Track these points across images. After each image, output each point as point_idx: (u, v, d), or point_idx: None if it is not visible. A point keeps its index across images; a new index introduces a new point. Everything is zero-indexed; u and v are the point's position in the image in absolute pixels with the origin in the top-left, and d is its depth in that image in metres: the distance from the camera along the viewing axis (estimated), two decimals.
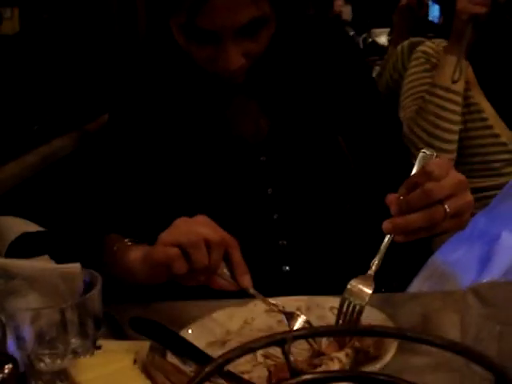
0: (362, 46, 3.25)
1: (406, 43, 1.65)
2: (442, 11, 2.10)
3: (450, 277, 1.16)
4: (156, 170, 1.01)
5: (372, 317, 0.72)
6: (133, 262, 0.80)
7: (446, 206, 0.68)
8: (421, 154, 0.75)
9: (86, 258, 0.78)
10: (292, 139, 1.02)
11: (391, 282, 1.17)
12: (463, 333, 0.62)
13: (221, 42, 0.85)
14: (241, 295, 0.78)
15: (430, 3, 2.24)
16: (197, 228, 0.74)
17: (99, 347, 0.59)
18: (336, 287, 0.73)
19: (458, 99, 1.28)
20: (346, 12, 3.40)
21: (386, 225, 0.69)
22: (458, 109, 1.28)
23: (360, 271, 0.73)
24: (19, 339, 0.61)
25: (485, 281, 1.09)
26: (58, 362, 0.62)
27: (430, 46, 1.41)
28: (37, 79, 1.25)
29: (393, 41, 2.00)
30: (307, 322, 0.72)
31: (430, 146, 1.27)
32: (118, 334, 0.73)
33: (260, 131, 1.02)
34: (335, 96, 1.04)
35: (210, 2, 0.81)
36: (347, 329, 0.51)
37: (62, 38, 1.47)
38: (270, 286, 1.00)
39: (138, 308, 0.83)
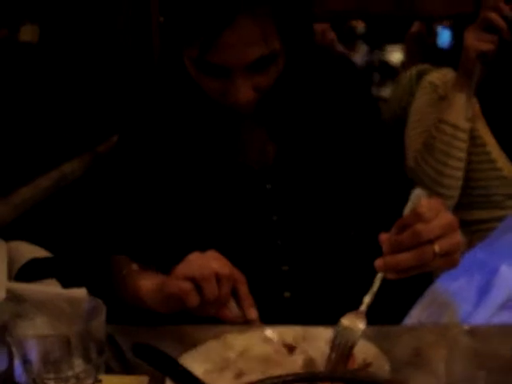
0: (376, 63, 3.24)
1: (414, 70, 1.67)
2: (453, 37, 2.13)
3: (449, 306, 1.18)
4: (163, 194, 1.04)
5: (366, 351, 0.75)
6: (144, 291, 0.86)
7: (436, 247, 0.71)
8: (413, 194, 0.78)
9: (93, 282, 0.82)
10: (298, 168, 1.05)
11: (388, 311, 1.20)
12: (448, 370, 0.65)
13: (230, 76, 0.89)
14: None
15: (440, 29, 2.27)
16: (209, 262, 0.79)
17: (100, 381, 0.62)
18: (337, 315, 0.76)
19: (466, 137, 1.29)
20: (360, 26, 3.40)
21: (377, 263, 0.73)
22: (465, 146, 1.29)
23: (361, 299, 0.76)
24: (26, 363, 0.64)
25: (481, 315, 1.12)
26: None
27: (436, 76, 1.42)
28: (46, 102, 1.29)
29: (405, 66, 2.03)
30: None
31: (436, 182, 1.29)
32: (120, 359, 0.76)
33: (266, 159, 1.05)
34: (341, 126, 1.07)
35: (222, 39, 0.84)
36: (328, 375, 0.55)
37: (74, 60, 1.51)
38: (270, 311, 1.03)
39: (142, 331, 0.86)
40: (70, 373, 0.67)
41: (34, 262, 0.79)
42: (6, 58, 1.34)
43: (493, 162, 1.31)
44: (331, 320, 0.79)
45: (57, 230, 0.96)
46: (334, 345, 0.70)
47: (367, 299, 0.73)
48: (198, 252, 0.81)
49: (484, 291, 1.19)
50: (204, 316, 0.82)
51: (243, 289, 0.80)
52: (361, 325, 0.70)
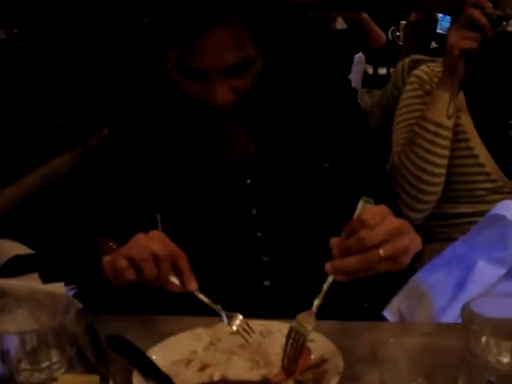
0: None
1: (406, 60, 1.69)
2: (452, 22, 2.12)
3: (425, 299, 1.23)
4: (148, 184, 1.10)
5: (324, 348, 0.81)
6: (104, 265, 0.94)
7: (381, 251, 0.76)
8: (360, 202, 0.82)
9: (79, 271, 0.89)
10: (278, 164, 1.10)
11: (363, 301, 1.25)
12: (399, 369, 0.70)
13: (208, 79, 0.94)
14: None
15: (441, 16, 2.26)
16: (149, 244, 0.86)
17: (56, 379, 0.68)
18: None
19: (449, 134, 1.30)
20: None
21: (327, 266, 0.78)
22: (447, 144, 1.31)
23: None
24: (3, 355, 0.71)
25: (456, 310, 1.16)
26: (36, 375, 0.72)
27: (424, 70, 1.43)
28: (35, 97, 1.33)
29: (401, 57, 2.03)
30: (245, 322, 0.85)
31: (417, 178, 1.31)
32: (96, 348, 0.83)
33: (247, 155, 1.10)
34: (322, 123, 1.11)
35: (199, 45, 0.90)
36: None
37: (63, 54, 1.54)
38: (250, 299, 1.09)
39: (119, 319, 0.94)
40: (46, 363, 0.74)
41: (16, 259, 0.86)
42: None
43: (476, 158, 1.33)
44: (308, 307, 0.83)
45: (43, 225, 1.02)
46: (287, 343, 0.76)
47: (317, 301, 0.78)
48: (142, 234, 0.88)
49: (460, 286, 1.22)
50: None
51: (182, 264, 0.87)
52: (310, 326, 0.76)
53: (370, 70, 3.33)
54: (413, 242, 0.82)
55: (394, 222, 0.79)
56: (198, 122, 1.07)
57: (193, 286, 0.88)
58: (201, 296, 0.88)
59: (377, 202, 1.07)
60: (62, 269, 0.93)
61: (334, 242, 0.79)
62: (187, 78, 0.97)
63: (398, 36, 3.39)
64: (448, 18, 2.23)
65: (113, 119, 1.14)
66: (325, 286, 0.78)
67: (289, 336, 0.76)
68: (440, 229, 1.43)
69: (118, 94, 1.11)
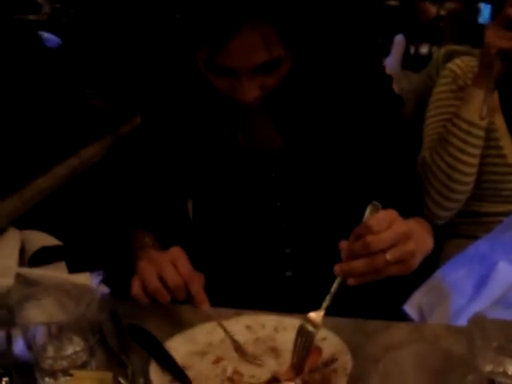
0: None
1: (442, 51, 1.67)
2: (493, 12, 2.07)
3: (446, 298, 1.24)
4: (179, 173, 1.14)
5: (336, 347, 0.84)
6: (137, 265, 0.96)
7: (387, 255, 0.79)
8: (368, 207, 0.84)
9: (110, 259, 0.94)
10: (303, 158, 1.13)
11: (385, 295, 1.27)
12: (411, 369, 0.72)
13: (237, 76, 0.97)
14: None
15: (483, 5, 2.20)
16: (162, 272, 0.89)
17: (71, 375, 0.73)
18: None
19: (481, 134, 1.30)
20: None
21: (335, 268, 0.81)
22: (480, 143, 1.30)
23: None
24: (30, 342, 0.76)
25: (474, 309, 1.17)
26: (59, 363, 0.77)
27: (458, 64, 1.42)
28: (62, 86, 1.35)
29: (443, 44, 1.99)
30: None
31: (448, 176, 1.32)
32: (119, 336, 0.88)
33: (273, 148, 1.13)
34: (350, 116, 1.12)
35: (228, 45, 0.93)
36: None
37: (99, 33, 1.57)
38: (272, 290, 1.13)
39: (142, 306, 0.97)
40: (69, 351, 0.79)
41: (44, 249, 0.91)
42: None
43: (504, 157, 1.33)
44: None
45: (73, 215, 1.07)
46: (296, 341, 0.80)
47: (326, 303, 0.81)
48: (148, 260, 0.92)
49: (481, 285, 1.24)
50: None
51: (194, 289, 0.90)
52: (318, 326, 0.80)
53: (412, 50, 3.30)
54: (420, 245, 0.84)
55: (400, 227, 0.81)
56: (226, 113, 1.11)
57: (204, 307, 0.90)
58: (214, 315, 0.92)
59: (398, 196, 1.09)
60: (89, 257, 0.98)
61: (343, 244, 0.82)
62: (216, 75, 1.00)
63: (441, 16, 3.34)
64: (489, 6, 2.17)
65: (145, 108, 1.17)
66: (333, 288, 0.81)
67: (298, 335, 0.80)
68: (465, 226, 1.44)
69: (151, 84, 1.14)
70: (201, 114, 1.13)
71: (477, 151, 1.30)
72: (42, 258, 0.90)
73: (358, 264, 0.79)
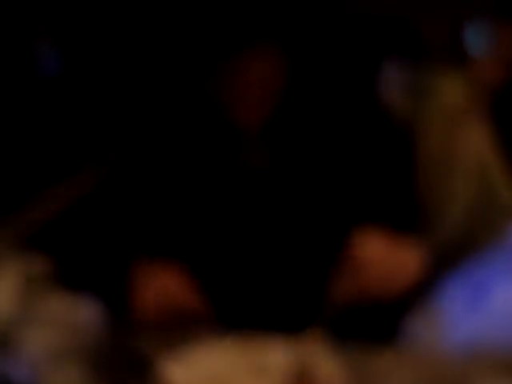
0: None
1: (430, 69, 1.69)
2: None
3: (438, 312, 1.25)
4: (167, 189, 1.15)
5: (327, 371, 0.85)
6: None
7: None
8: None
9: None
10: (294, 172, 1.13)
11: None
12: None
13: (241, 97, 1.01)
14: None
15: (471, 28, 2.23)
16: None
17: None
18: None
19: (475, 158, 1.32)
20: None
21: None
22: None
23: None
24: (29, 366, 0.78)
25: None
26: None
27: (449, 83, 1.44)
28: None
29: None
30: None
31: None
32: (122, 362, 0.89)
33: (264, 161, 1.13)
34: (341, 130, 1.14)
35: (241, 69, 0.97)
36: None
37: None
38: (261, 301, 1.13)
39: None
40: (70, 377, 0.80)
41: (43, 272, 0.92)
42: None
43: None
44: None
45: (74, 239, 1.09)
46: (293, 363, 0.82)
47: (318, 328, 0.83)
48: (153, 278, 0.96)
49: (480, 290, 1.24)
50: None
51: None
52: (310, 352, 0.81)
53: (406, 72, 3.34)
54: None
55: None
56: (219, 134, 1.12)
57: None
58: None
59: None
60: (88, 281, 1.00)
61: None
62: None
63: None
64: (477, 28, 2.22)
65: (136, 127, 1.18)
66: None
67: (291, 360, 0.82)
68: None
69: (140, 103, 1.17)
70: (193, 132, 1.14)
71: (473, 180, 1.32)
72: (41, 281, 0.92)
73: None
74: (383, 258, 0.85)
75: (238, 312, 1.12)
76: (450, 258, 1.49)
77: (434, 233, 1.38)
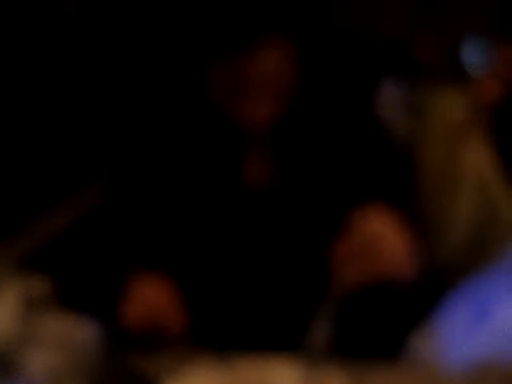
0: None
1: (428, 88, 1.70)
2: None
3: (439, 329, 1.24)
4: (167, 207, 1.15)
5: None
6: None
7: None
8: None
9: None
10: (295, 193, 1.13)
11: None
12: None
13: (251, 93, 1.01)
14: None
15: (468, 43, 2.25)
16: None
17: None
18: None
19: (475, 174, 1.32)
20: None
21: None
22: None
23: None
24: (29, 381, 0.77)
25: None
26: None
27: (447, 101, 1.44)
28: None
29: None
30: None
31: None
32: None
33: (265, 182, 1.13)
34: (343, 150, 1.14)
35: (251, 58, 0.97)
36: None
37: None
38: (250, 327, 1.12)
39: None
40: None
41: (45, 293, 0.92)
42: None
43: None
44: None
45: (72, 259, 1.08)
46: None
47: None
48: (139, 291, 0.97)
49: (484, 306, 1.23)
50: None
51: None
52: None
53: (403, 89, 3.36)
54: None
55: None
56: (221, 147, 1.12)
57: None
58: None
59: None
60: (87, 301, 0.99)
61: None
62: (229, 92, 1.03)
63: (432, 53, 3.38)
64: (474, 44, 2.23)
65: (134, 146, 1.18)
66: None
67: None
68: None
69: (141, 121, 1.16)
70: (195, 147, 1.14)
71: (475, 197, 1.32)
72: (44, 303, 0.92)
73: None
74: (391, 232, 0.85)
75: (234, 330, 1.11)
76: (453, 275, 1.49)
77: (437, 249, 1.38)
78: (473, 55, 2.33)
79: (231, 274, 1.12)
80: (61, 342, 0.82)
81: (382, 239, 0.92)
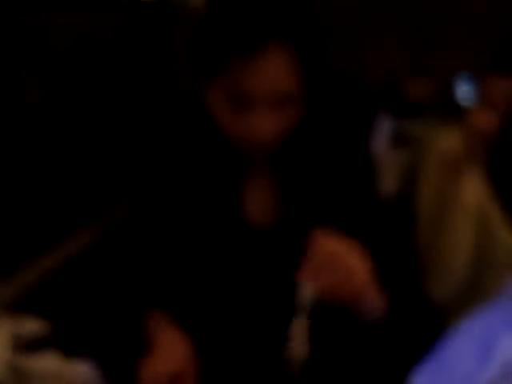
0: None
1: (425, 128, 1.72)
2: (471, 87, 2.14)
3: (445, 372, 1.21)
4: (172, 249, 1.12)
5: None
6: None
7: None
8: None
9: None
10: (300, 229, 1.08)
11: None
12: None
13: (254, 107, 0.98)
14: None
15: (462, 80, 2.28)
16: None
17: None
18: None
19: (473, 213, 1.30)
20: None
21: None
22: (474, 223, 1.30)
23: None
24: None
25: None
26: None
27: (444, 142, 1.42)
28: (48, 173, 1.36)
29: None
30: None
31: (450, 256, 1.31)
32: None
33: (270, 220, 1.11)
34: (341, 185, 1.13)
35: (252, 65, 0.94)
36: None
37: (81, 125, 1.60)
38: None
39: None
40: None
41: (39, 336, 0.89)
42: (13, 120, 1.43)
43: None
44: None
45: (68, 300, 1.06)
46: None
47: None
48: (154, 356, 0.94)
49: (483, 354, 1.20)
50: None
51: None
52: None
53: (397, 128, 3.40)
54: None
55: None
56: (224, 181, 1.10)
57: None
58: None
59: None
60: (85, 344, 0.96)
61: None
62: (230, 108, 0.99)
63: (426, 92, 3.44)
64: (468, 81, 2.27)
65: (138, 186, 1.17)
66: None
67: None
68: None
69: (143, 158, 1.15)
70: (198, 185, 1.11)
71: (473, 229, 1.30)
72: (36, 344, 0.89)
73: None
74: (348, 251, 0.91)
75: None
76: (455, 307, 1.46)
77: (437, 284, 1.36)
78: (466, 88, 2.37)
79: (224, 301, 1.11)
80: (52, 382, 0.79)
81: (341, 256, 0.96)
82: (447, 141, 1.43)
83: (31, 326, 0.83)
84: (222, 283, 1.11)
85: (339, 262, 0.95)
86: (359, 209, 1.15)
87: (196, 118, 1.12)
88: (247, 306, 1.11)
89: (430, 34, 2.10)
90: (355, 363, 1.05)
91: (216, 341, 1.13)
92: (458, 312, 1.47)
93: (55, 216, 1.22)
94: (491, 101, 1.24)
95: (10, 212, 1.21)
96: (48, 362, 0.82)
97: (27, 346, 0.86)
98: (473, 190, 1.27)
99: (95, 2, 1.84)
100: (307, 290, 0.88)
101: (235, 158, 1.08)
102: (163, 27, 1.50)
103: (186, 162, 1.12)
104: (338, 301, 0.97)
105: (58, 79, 1.72)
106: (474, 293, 1.40)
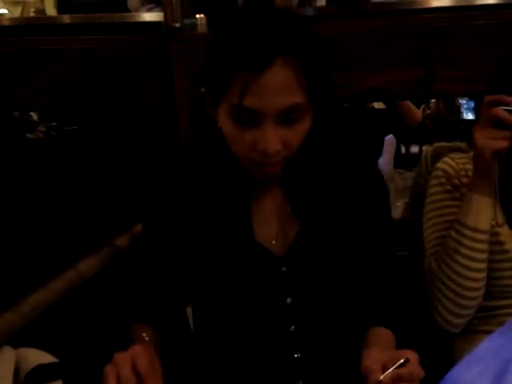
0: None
1: (429, 149, 1.72)
2: (475, 108, 2.13)
3: None
4: (181, 272, 1.13)
5: None
6: None
7: None
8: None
9: None
10: (316, 250, 1.10)
11: None
12: None
13: (262, 125, 0.98)
14: None
15: (464, 102, 2.27)
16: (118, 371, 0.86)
17: None
18: None
19: (487, 237, 1.27)
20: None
21: None
22: (487, 247, 1.26)
23: None
24: None
25: None
26: None
27: (449, 163, 1.41)
28: (54, 196, 1.36)
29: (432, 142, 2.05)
30: None
31: (459, 285, 1.27)
32: None
33: (284, 241, 1.11)
34: (353, 204, 1.13)
35: (259, 81, 0.94)
36: None
37: (91, 148, 1.61)
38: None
39: None
40: None
41: (40, 368, 0.87)
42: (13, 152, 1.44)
43: (506, 253, 1.31)
44: None
45: (70, 332, 1.04)
46: None
47: None
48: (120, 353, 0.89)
49: (499, 381, 1.17)
50: None
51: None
52: None
53: (403, 150, 3.39)
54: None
55: None
56: (236, 203, 1.10)
57: None
58: None
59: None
60: (88, 376, 0.94)
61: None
62: (240, 126, 1.00)
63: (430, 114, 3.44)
64: (471, 103, 2.25)
65: (149, 211, 1.16)
66: None
67: None
68: (476, 320, 1.39)
69: (154, 186, 1.15)
70: (210, 207, 1.12)
71: (485, 255, 1.27)
72: (38, 377, 0.87)
73: None
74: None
75: None
76: (466, 336, 1.43)
77: (447, 313, 1.32)
78: (468, 111, 2.37)
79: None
80: None
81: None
82: (452, 161, 1.42)
83: (34, 359, 0.81)
84: (232, 303, 1.11)
85: None
86: (374, 228, 1.15)
87: (208, 141, 1.13)
88: (257, 326, 1.10)
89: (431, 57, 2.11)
90: None
91: (226, 361, 1.13)
92: (468, 334, 1.45)
93: (60, 243, 1.21)
94: (500, 120, 1.22)
95: (15, 237, 1.20)
96: None
97: (30, 378, 0.84)
98: (484, 214, 1.23)
99: None
100: None
101: (246, 179, 1.08)
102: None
103: (197, 185, 1.13)
104: None
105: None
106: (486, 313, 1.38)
